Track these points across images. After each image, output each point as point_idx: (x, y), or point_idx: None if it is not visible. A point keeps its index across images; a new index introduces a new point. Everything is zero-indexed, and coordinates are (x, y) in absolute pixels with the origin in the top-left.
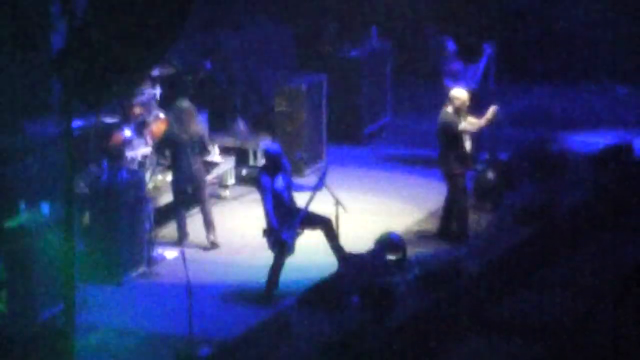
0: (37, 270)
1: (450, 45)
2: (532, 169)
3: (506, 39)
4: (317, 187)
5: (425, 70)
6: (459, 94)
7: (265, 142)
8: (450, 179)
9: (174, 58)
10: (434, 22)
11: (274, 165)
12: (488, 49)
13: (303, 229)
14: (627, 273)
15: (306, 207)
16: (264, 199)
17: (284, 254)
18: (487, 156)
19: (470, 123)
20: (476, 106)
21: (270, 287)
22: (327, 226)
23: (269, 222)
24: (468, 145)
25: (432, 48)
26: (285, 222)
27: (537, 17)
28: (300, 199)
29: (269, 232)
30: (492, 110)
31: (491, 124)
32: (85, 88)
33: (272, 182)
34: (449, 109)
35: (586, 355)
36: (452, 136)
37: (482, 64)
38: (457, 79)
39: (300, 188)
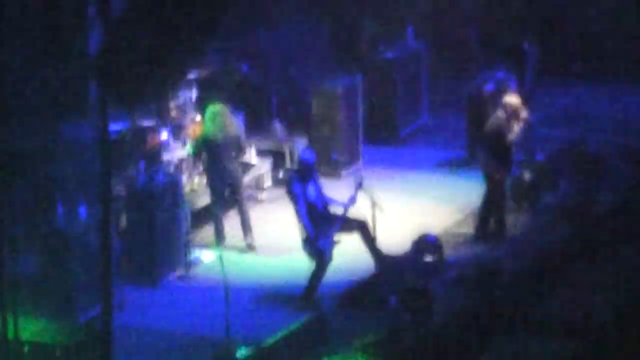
0: (75, 272)
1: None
2: (570, 169)
3: (544, 39)
4: (350, 203)
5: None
6: (512, 100)
7: (301, 148)
8: (491, 181)
9: (211, 60)
10: (473, 22)
11: (306, 172)
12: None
13: (340, 234)
14: None
15: (341, 217)
16: (297, 208)
17: (323, 263)
18: (524, 157)
19: (515, 133)
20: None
21: (310, 293)
22: (363, 228)
23: (304, 231)
24: (512, 150)
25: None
26: (320, 230)
27: (576, 17)
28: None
29: (306, 241)
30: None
31: (527, 125)
32: (122, 90)
33: (304, 190)
34: (501, 114)
35: (627, 354)
36: (501, 142)
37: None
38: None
39: (332, 202)
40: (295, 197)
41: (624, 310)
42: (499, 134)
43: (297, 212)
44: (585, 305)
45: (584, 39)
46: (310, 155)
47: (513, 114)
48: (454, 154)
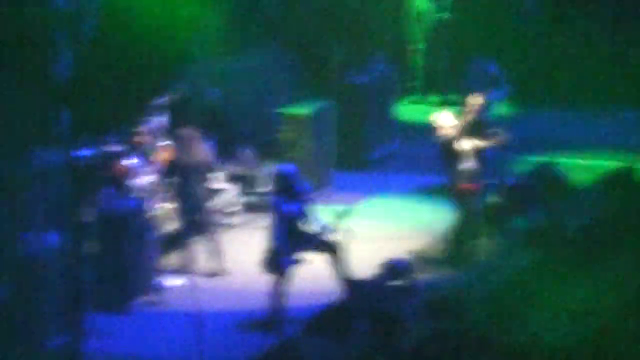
0: (44, 299)
1: (492, 69)
2: (538, 193)
3: (513, 64)
4: (329, 229)
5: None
6: (437, 118)
7: (281, 165)
8: (458, 199)
9: (180, 85)
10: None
11: (286, 187)
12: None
13: (310, 254)
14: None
15: (316, 237)
16: (272, 221)
17: (281, 278)
18: (492, 181)
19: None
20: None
21: (275, 313)
22: (335, 251)
23: (272, 244)
24: (470, 163)
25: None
26: (289, 246)
27: (542, 42)
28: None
29: (270, 254)
30: (498, 137)
31: (494, 148)
32: (91, 116)
33: (283, 205)
34: (440, 132)
35: None
36: (450, 151)
37: (494, 97)
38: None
39: (314, 220)
40: (272, 210)
41: (593, 335)
42: (445, 145)
43: (272, 224)
44: (554, 329)
45: (550, 63)
46: (288, 168)
47: (445, 128)
48: (424, 179)
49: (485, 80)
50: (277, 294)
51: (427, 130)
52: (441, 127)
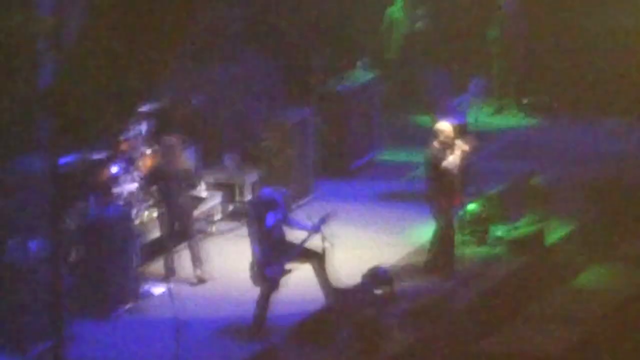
0: (27, 305)
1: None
2: (520, 201)
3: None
4: (314, 229)
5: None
6: (443, 127)
7: (261, 188)
8: (438, 212)
9: (161, 93)
10: (424, 55)
11: (265, 205)
12: (473, 86)
13: (294, 264)
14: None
15: (298, 247)
16: (251, 233)
17: (267, 289)
18: (474, 189)
19: (453, 160)
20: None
21: (258, 322)
22: (317, 260)
23: (256, 255)
24: (456, 179)
25: (429, 81)
26: (271, 257)
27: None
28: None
29: (254, 266)
30: (465, 144)
31: (471, 156)
32: (72, 123)
33: (261, 215)
34: (436, 143)
35: None
36: (438, 170)
37: (465, 99)
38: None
39: (296, 224)
40: (250, 221)
41: (574, 344)
42: (434, 163)
43: (250, 235)
44: (536, 338)
45: (533, 71)
46: (268, 194)
47: (447, 141)
48: (405, 186)
49: (448, 89)
50: (263, 304)
51: (408, 137)
52: (439, 140)
